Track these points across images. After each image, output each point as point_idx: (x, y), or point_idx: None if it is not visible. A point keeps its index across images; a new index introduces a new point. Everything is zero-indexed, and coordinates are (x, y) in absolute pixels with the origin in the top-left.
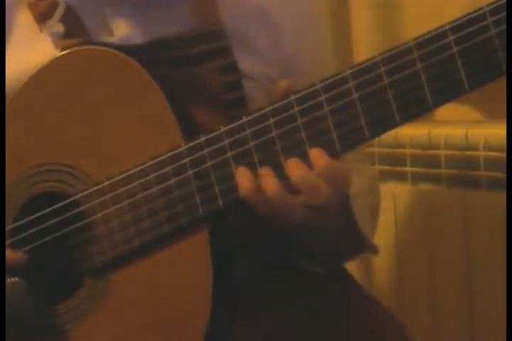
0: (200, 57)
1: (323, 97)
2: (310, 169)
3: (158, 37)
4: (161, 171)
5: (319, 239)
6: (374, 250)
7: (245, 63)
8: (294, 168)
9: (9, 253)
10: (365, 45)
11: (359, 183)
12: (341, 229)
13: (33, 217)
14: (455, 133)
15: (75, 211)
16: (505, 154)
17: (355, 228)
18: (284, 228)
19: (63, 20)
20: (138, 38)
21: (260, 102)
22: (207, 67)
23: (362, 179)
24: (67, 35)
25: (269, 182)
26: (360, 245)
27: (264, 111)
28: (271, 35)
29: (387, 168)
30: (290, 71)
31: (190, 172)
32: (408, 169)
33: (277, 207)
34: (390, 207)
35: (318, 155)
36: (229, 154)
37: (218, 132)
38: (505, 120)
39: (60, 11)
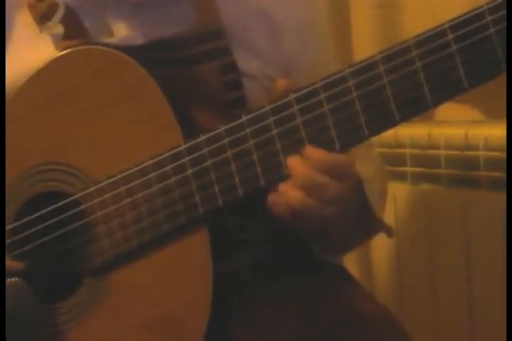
0: (199, 57)
1: (322, 96)
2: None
3: (158, 37)
4: (161, 170)
5: (334, 230)
6: (389, 231)
7: (245, 63)
8: (297, 166)
9: (8, 262)
10: (365, 45)
11: (366, 168)
12: (357, 214)
13: (33, 216)
14: (455, 133)
15: (75, 210)
16: (505, 154)
17: (370, 212)
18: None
19: (63, 21)
20: (138, 39)
21: (260, 101)
22: (207, 67)
23: (369, 164)
24: (67, 36)
25: (294, 195)
26: (373, 228)
27: (263, 109)
28: (271, 35)
29: (387, 168)
30: (290, 70)
31: (190, 171)
32: (408, 169)
33: (302, 212)
34: (390, 207)
35: (313, 153)
36: (228, 153)
37: (218, 131)
38: (505, 120)
39: (60, 12)
